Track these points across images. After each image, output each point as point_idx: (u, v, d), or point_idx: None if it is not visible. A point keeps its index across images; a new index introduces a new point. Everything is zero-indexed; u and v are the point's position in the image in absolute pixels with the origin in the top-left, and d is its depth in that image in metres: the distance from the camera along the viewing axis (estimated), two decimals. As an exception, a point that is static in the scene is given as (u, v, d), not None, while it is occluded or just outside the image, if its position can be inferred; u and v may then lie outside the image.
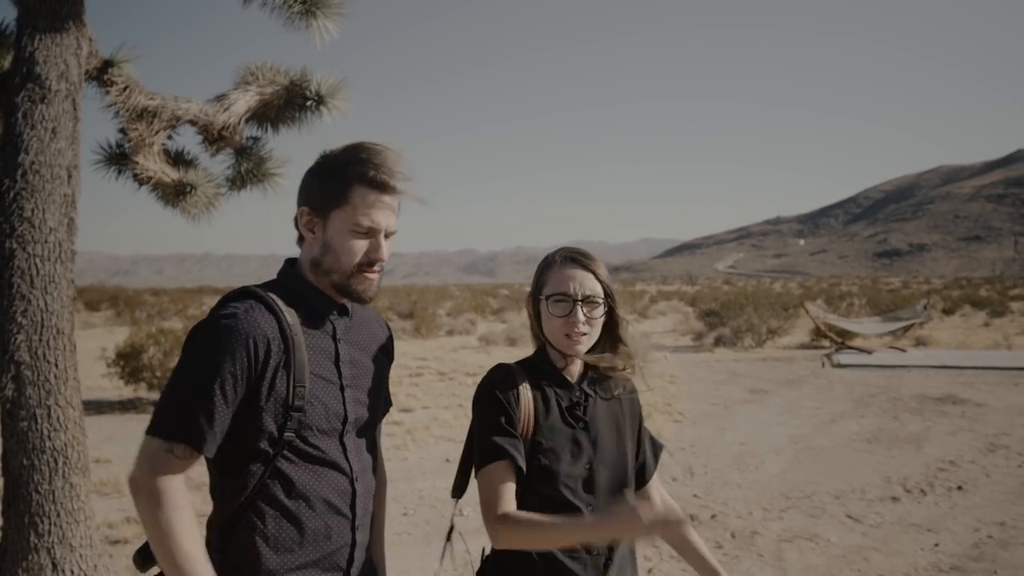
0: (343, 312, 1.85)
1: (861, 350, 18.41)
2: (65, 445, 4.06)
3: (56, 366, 4.05)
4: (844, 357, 17.06)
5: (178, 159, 6.36)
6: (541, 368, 1.97)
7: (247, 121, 6.37)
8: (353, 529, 1.78)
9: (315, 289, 1.80)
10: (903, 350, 18.58)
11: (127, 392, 11.28)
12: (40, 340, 4.00)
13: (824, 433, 9.23)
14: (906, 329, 20.35)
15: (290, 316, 1.71)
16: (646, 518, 1.57)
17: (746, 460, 7.90)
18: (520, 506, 1.82)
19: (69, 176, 4.46)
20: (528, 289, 2.05)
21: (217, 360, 1.61)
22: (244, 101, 6.23)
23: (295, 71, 6.49)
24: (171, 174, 6.09)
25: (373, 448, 1.91)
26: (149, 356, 10.94)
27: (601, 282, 1.95)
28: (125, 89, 5.54)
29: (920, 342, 20.58)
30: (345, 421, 1.78)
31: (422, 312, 29.36)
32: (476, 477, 1.88)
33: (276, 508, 1.69)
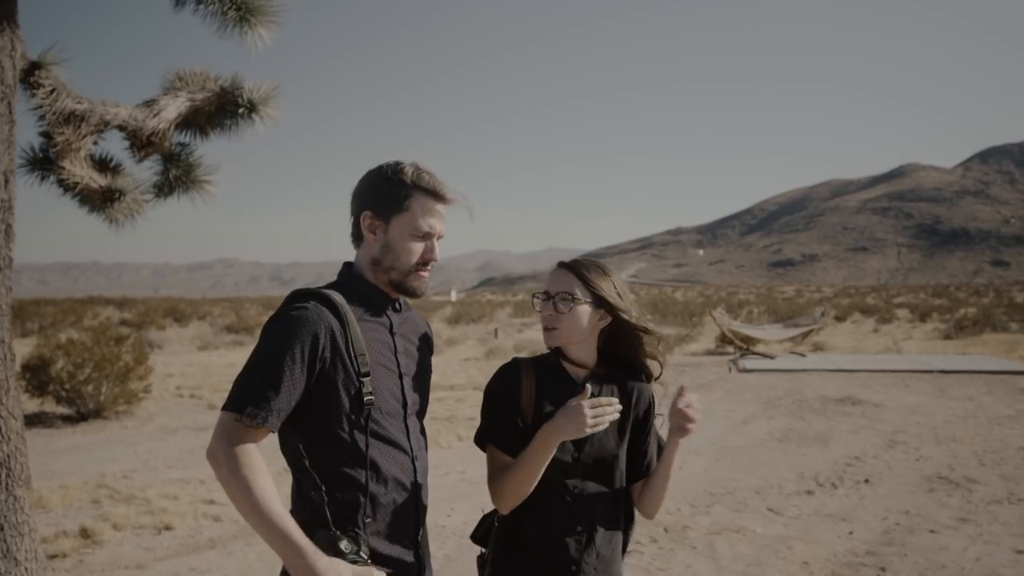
0: (396, 308, 2.06)
1: (764, 355, 19.23)
2: (8, 457, 3.96)
3: (-4, 376, 3.95)
4: (749, 362, 17.80)
5: (103, 165, 6.22)
6: (549, 364, 2.19)
7: (177, 127, 6.29)
8: (417, 502, 1.99)
9: (373, 286, 2.02)
10: (803, 355, 19.50)
11: (31, 406, 10.81)
12: (-22, 349, 3.89)
13: (738, 434, 9.68)
14: (805, 335, 21.38)
15: (350, 311, 1.91)
16: (585, 406, 1.95)
17: (668, 460, 8.20)
18: None
19: (6, 181, 4.37)
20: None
21: (287, 346, 1.80)
22: (175, 107, 6.14)
23: (226, 78, 6.43)
24: (98, 180, 5.96)
25: (424, 432, 2.11)
26: (58, 368, 10.51)
27: (588, 284, 2.12)
28: (52, 92, 5.41)
29: (818, 347, 21.61)
30: (405, 405, 1.99)
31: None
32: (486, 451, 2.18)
33: (354, 483, 1.87)
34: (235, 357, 20.45)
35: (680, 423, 2.10)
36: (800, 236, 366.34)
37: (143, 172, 6.45)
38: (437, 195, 1.98)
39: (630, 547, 2.30)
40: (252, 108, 6.24)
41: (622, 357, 2.24)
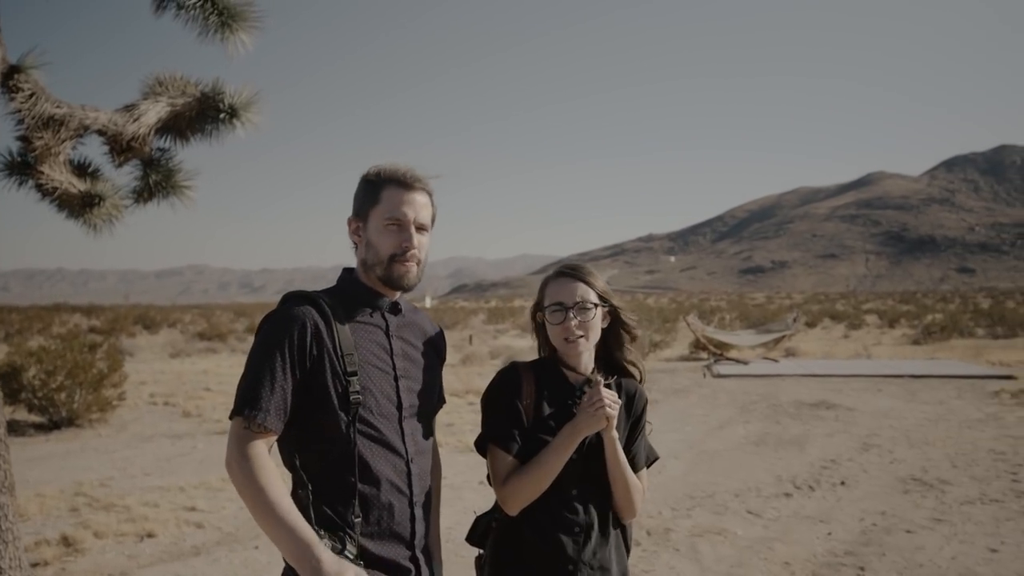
0: (394, 310, 2.08)
1: (738, 361, 19.42)
2: (-9, 463, 3.93)
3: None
4: (723, 368, 17.97)
5: (82, 170, 6.16)
6: (547, 369, 2.24)
7: (157, 132, 6.25)
8: (411, 505, 1.98)
9: (367, 288, 2.06)
10: (776, 360, 19.71)
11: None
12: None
13: (715, 438, 9.77)
14: (777, 340, 21.62)
15: (335, 311, 1.95)
16: (602, 399, 2.04)
17: (648, 464, 8.27)
18: None
19: (-15, 186, 4.33)
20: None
21: (274, 345, 1.85)
22: (155, 112, 6.10)
23: (206, 83, 6.40)
24: (78, 185, 5.91)
25: (429, 436, 2.11)
26: (30, 376, 10.37)
27: (593, 287, 2.18)
28: (32, 96, 5.37)
29: (790, 353, 21.87)
30: (400, 407, 1.99)
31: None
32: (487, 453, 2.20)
33: (343, 483, 1.89)
34: (208, 364, 20.27)
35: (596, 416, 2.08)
36: (770, 243, 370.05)
37: (122, 177, 6.40)
38: (401, 183, 2.02)
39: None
40: (233, 113, 6.22)
41: (611, 358, 2.29)
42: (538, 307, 2.25)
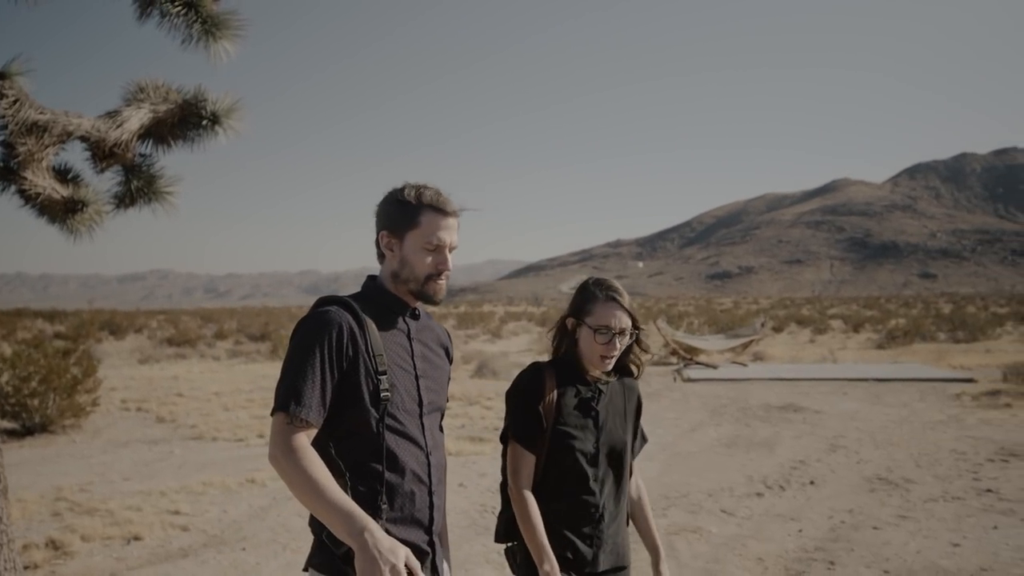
0: (414, 316, 2.25)
1: (707, 365, 19.72)
2: (-15, 466, 3.97)
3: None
4: (693, 372, 18.25)
5: (63, 176, 6.20)
6: (569, 368, 2.48)
7: (140, 138, 6.30)
8: (431, 494, 2.15)
9: (394, 296, 2.21)
10: (744, 364, 20.06)
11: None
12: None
13: (688, 440, 9.99)
14: (746, 345, 21.97)
15: (367, 315, 2.11)
16: None
17: (623, 466, 8.46)
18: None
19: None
20: None
21: (316, 344, 2.00)
22: (138, 118, 6.15)
23: (188, 89, 6.46)
24: (61, 190, 5.95)
25: (441, 430, 2.30)
26: (3, 381, 10.29)
27: (631, 315, 2.45)
28: (16, 102, 5.41)
29: (758, 357, 22.24)
30: (421, 404, 2.17)
31: (276, 334, 28.74)
32: (507, 446, 2.43)
33: (372, 473, 2.05)
34: (178, 370, 20.12)
35: None
36: (737, 249, 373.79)
37: (102, 183, 6.43)
38: (441, 210, 2.17)
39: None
40: (215, 120, 6.29)
41: (621, 360, 2.54)
42: (574, 317, 2.47)
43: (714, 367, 19.29)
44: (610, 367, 2.45)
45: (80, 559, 5.31)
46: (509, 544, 2.44)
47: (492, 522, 5.55)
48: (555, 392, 2.40)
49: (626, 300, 2.44)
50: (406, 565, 1.73)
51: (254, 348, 25.83)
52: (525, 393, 2.41)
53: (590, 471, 2.40)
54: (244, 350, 25.87)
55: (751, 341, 22.13)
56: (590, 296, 2.46)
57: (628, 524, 2.58)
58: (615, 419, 2.49)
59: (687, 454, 9.13)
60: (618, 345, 2.41)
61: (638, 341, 2.52)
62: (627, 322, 2.42)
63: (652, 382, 16.63)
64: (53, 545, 5.47)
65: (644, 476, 7.88)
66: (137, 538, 5.75)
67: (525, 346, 29.37)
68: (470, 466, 8.36)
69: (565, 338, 2.52)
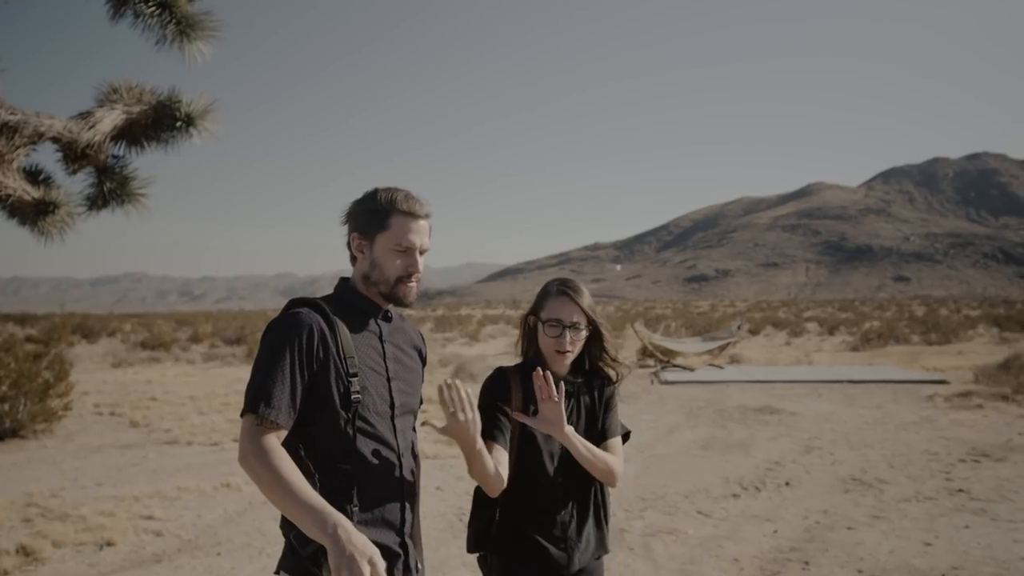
0: (386, 318, 2.25)
1: (684, 367, 19.81)
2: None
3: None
4: (669, 374, 18.31)
5: (33, 177, 6.12)
6: (532, 369, 2.43)
7: (113, 140, 6.23)
8: (402, 495, 2.16)
9: (365, 298, 2.21)
10: (721, 367, 20.15)
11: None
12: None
13: (664, 442, 10.03)
14: (723, 348, 22.08)
15: (338, 317, 2.10)
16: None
17: (600, 469, 8.48)
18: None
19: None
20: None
21: (286, 345, 2.00)
22: (110, 119, 6.09)
23: (162, 91, 6.40)
24: (32, 192, 5.87)
25: (414, 432, 2.29)
26: (-16, 387, 10.14)
27: (584, 310, 2.44)
28: (-14, 103, 5.34)
29: (734, 359, 22.36)
30: (393, 406, 2.16)
31: (251, 338, 28.54)
32: None
33: (342, 473, 2.04)
34: (152, 374, 19.91)
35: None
36: (714, 252, 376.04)
37: (74, 185, 6.36)
38: (411, 213, 2.18)
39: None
40: (190, 122, 6.23)
41: (591, 362, 2.56)
42: (533, 314, 2.50)
43: (691, 369, 19.37)
44: (567, 363, 2.46)
45: (52, 565, 5.24)
46: (481, 554, 2.47)
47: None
48: (521, 393, 2.42)
49: (582, 297, 2.45)
50: (373, 563, 1.73)
51: (229, 352, 25.62)
52: (488, 394, 2.44)
53: (557, 473, 2.42)
54: (219, 353, 25.63)
55: (728, 344, 22.24)
56: (545, 292, 2.50)
57: (607, 522, 2.57)
58: (579, 417, 2.51)
59: (664, 456, 9.17)
60: (569, 338, 2.41)
61: (603, 345, 2.51)
62: (578, 317, 2.43)
63: (629, 385, 16.66)
64: (24, 551, 5.39)
65: (622, 478, 7.90)
66: (110, 544, 5.68)
67: (503, 349, 29.33)
68: (447, 469, 8.34)
69: (530, 339, 2.54)
